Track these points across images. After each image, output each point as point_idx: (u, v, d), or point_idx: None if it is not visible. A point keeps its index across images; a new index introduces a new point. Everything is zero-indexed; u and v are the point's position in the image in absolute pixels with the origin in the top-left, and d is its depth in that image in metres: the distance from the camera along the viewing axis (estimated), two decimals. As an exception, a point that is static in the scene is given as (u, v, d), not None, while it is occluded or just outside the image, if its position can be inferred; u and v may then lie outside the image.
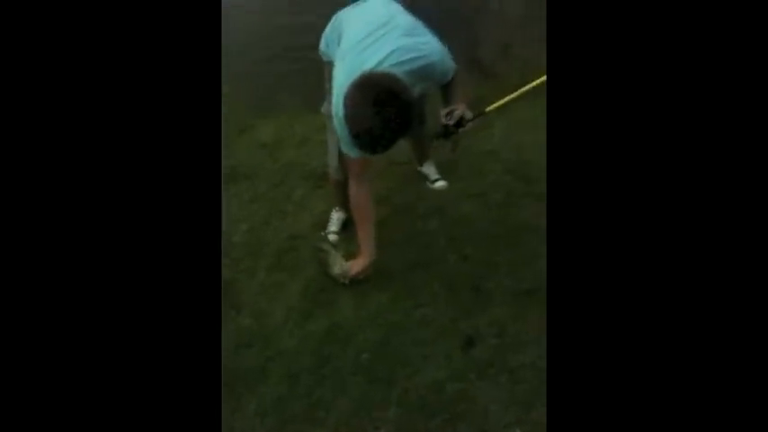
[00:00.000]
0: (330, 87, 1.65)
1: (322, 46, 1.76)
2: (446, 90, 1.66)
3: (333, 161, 1.88)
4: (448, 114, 1.64)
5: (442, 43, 1.57)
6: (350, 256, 1.81)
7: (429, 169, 2.28)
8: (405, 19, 1.59)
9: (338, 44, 1.63)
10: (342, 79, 1.48)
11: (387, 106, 1.33)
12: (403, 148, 2.16)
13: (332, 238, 1.98)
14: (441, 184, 2.24)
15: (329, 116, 1.69)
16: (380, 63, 1.45)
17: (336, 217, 2.05)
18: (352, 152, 1.57)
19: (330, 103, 1.63)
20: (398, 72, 1.43)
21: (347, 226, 2.04)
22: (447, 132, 1.67)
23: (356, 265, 1.77)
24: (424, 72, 1.52)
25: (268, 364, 1.56)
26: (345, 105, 1.41)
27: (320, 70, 1.81)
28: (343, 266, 1.78)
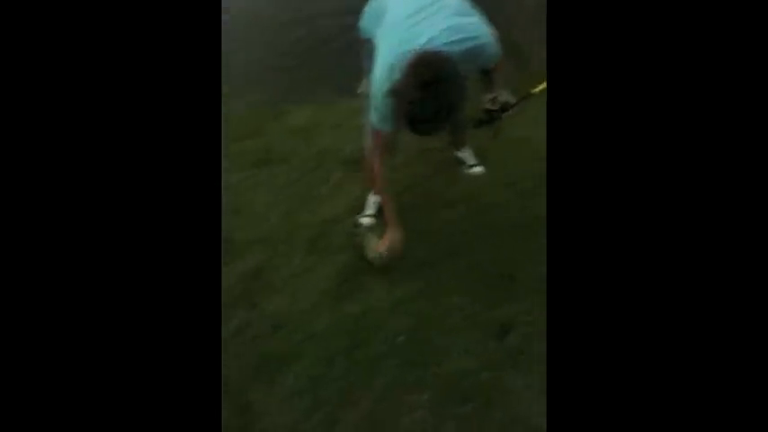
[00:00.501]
0: (368, 66, 1.64)
1: (362, 22, 1.75)
2: (487, 76, 1.64)
3: (369, 143, 1.87)
4: (491, 100, 1.62)
5: (484, 22, 1.55)
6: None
7: (466, 155, 2.25)
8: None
9: (381, 21, 1.61)
10: (387, 54, 1.46)
11: (439, 90, 1.32)
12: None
13: (368, 221, 1.99)
14: (478, 170, 2.21)
15: (367, 96, 1.68)
16: (431, 41, 1.43)
17: (373, 200, 2.06)
18: (385, 126, 1.56)
19: (369, 80, 1.63)
20: (449, 52, 1.41)
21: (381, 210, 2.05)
22: (491, 118, 1.65)
23: (384, 241, 1.77)
24: (472, 54, 1.50)
25: (303, 345, 1.59)
26: (396, 82, 1.39)
27: (352, 54, 1.81)
28: (377, 249, 1.79)
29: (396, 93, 1.40)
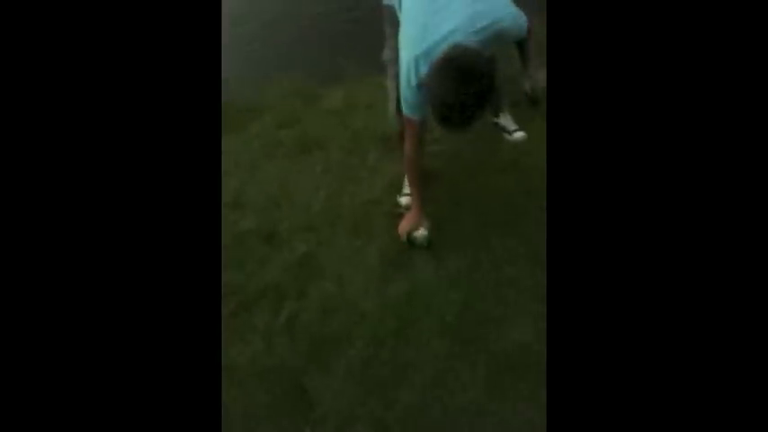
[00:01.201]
0: (389, 32, 1.66)
1: None
2: (522, 47, 1.61)
3: (392, 107, 1.85)
4: (529, 79, 1.60)
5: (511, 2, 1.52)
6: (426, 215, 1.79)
7: (506, 120, 2.17)
8: None
9: None
10: (411, 45, 1.45)
11: (473, 92, 1.31)
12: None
13: (407, 200, 1.96)
14: (519, 134, 2.13)
15: (389, 61, 1.72)
16: (455, 32, 1.40)
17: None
18: (414, 115, 1.55)
19: (391, 49, 1.66)
20: (475, 41, 1.39)
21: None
22: (533, 99, 1.63)
23: (403, 223, 1.77)
24: (497, 37, 1.48)
25: (353, 328, 1.60)
26: (425, 79, 1.39)
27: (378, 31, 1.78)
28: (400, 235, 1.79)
29: (427, 91, 1.39)
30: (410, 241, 1.79)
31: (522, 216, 1.79)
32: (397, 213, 1.87)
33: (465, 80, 1.30)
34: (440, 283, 1.66)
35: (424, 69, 1.41)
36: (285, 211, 2.07)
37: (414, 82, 1.44)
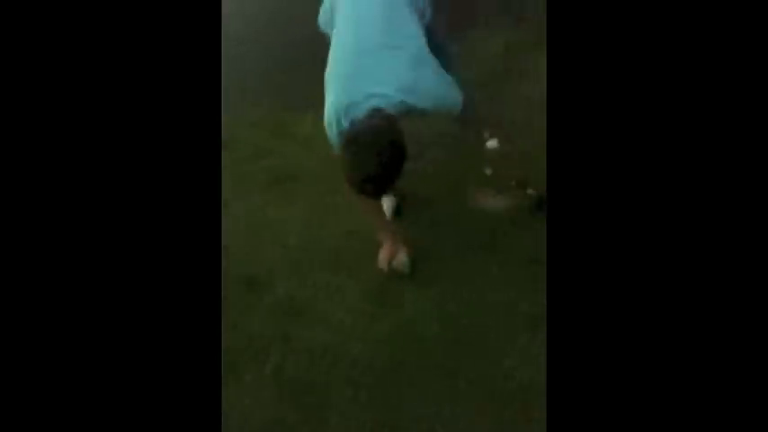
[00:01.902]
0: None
1: (321, 24, 1.73)
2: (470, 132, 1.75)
3: None
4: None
5: (444, 74, 1.51)
6: (407, 241, 1.78)
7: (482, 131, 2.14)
8: (407, 40, 1.51)
9: (334, 21, 1.60)
10: (335, 90, 1.46)
11: (383, 172, 1.38)
12: (450, 118, 2.02)
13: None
14: (491, 143, 2.10)
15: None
16: (378, 96, 1.42)
17: (387, 205, 1.98)
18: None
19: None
20: (396, 111, 1.43)
21: (401, 211, 1.97)
22: (538, 206, 1.74)
23: (380, 256, 1.75)
24: (420, 112, 1.50)
25: (342, 373, 1.56)
26: (339, 151, 1.45)
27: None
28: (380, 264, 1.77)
29: (341, 159, 1.44)
30: (393, 270, 1.74)
31: (499, 236, 1.76)
32: (378, 242, 1.83)
33: (372, 159, 1.35)
34: (424, 316, 1.62)
35: (345, 123, 1.44)
36: (262, 252, 2.01)
37: (335, 131, 1.46)
